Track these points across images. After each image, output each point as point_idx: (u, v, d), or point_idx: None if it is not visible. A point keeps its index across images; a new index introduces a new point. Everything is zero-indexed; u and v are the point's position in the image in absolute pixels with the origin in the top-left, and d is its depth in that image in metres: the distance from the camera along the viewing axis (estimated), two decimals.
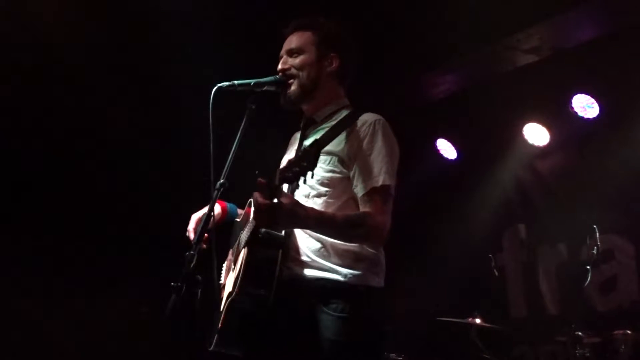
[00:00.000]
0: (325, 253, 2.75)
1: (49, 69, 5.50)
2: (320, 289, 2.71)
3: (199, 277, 2.38)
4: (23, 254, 5.79)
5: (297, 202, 2.60)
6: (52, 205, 6.07)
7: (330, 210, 2.78)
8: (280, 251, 2.72)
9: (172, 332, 2.43)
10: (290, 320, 2.74)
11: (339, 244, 2.75)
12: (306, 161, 2.35)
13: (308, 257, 2.76)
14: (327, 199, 2.81)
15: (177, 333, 2.47)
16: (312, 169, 2.36)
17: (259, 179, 2.45)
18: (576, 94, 5.95)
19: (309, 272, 2.75)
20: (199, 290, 2.40)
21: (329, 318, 2.67)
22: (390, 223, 2.76)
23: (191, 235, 2.99)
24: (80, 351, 6.01)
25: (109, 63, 5.60)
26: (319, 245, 2.77)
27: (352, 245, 2.76)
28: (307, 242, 2.78)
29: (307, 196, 2.82)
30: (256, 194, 2.48)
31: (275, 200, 2.48)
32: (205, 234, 2.71)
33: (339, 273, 2.73)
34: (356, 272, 2.74)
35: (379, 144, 2.82)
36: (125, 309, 6.10)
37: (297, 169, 2.37)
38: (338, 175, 2.82)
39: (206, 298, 2.52)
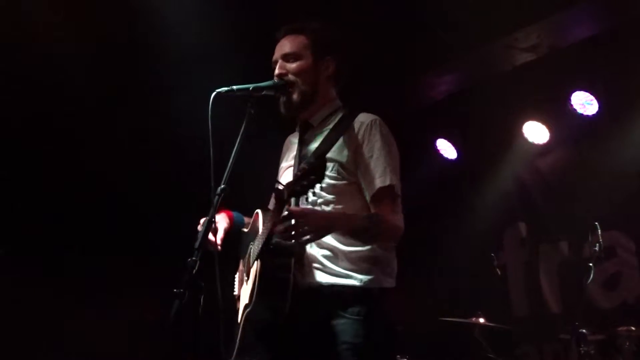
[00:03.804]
0: (337, 259, 2.76)
1: (48, 71, 5.47)
2: (337, 295, 2.73)
3: (202, 284, 2.37)
4: (24, 258, 5.76)
5: (313, 209, 2.68)
6: (53, 209, 6.06)
7: None
8: (293, 259, 2.72)
9: (176, 338, 2.42)
10: (308, 329, 2.75)
11: (351, 250, 2.77)
12: (314, 174, 2.35)
13: (322, 264, 2.77)
14: (335, 205, 2.81)
15: (181, 339, 2.46)
16: (320, 182, 2.36)
17: (277, 187, 2.48)
18: (575, 91, 5.93)
19: (324, 279, 2.76)
20: (202, 297, 2.39)
21: (345, 322, 2.69)
22: (403, 221, 2.79)
23: None
24: (82, 357, 6.00)
25: (108, 66, 5.59)
26: (330, 252, 2.78)
27: (364, 250, 2.77)
28: (318, 250, 2.79)
29: (314, 204, 2.81)
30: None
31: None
32: (219, 242, 2.74)
33: (355, 278, 2.74)
34: (370, 276, 2.76)
35: (379, 144, 2.83)
36: (129, 315, 6.09)
37: (305, 182, 2.36)
38: (343, 182, 2.82)
39: (209, 304, 2.51)
